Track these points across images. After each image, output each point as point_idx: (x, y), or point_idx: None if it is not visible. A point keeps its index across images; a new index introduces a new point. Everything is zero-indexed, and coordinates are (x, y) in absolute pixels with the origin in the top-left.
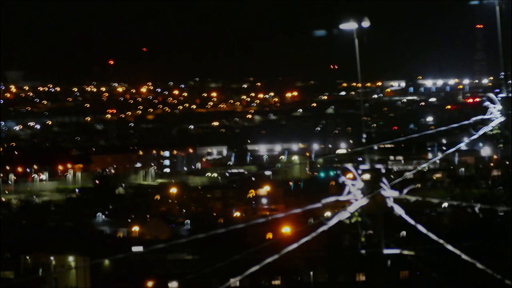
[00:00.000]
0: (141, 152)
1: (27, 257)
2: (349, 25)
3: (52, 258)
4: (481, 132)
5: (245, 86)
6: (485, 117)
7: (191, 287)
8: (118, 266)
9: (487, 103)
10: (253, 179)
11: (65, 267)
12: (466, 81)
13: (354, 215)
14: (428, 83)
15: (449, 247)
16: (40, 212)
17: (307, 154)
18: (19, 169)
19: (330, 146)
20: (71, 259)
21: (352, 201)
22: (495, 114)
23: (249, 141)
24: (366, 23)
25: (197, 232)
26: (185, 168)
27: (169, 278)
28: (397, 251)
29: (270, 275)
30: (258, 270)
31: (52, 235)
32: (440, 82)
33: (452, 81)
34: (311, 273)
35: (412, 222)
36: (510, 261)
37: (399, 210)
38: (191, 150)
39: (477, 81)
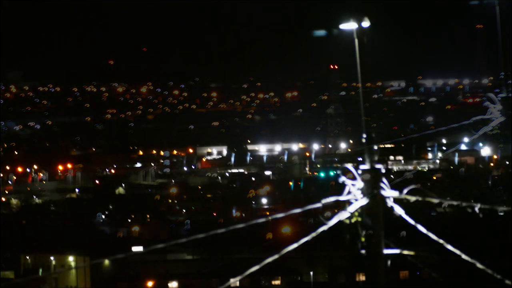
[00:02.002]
0: (141, 152)
1: (27, 257)
2: (349, 25)
3: (52, 258)
4: (481, 132)
5: (245, 86)
6: (485, 117)
7: (191, 287)
8: (118, 266)
9: (487, 103)
10: (253, 179)
11: (65, 267)
12: (466, 81)
13: (354, 215)
14: (428, 83)
15: (449, 247)
16: (40, 212)
17: (307, 154)
18: (19, 169)
19: (330, 146)
20: (71, 259)
21: (352, 201)
22: (495, 114)
23: (249, 141)
24: (366, 23)
25: (197, 232)
26: (185, 168)
27: (169, 278)
28: (397, 251)
29: (270, 275)
30: (258, 270)
31: (52, 235)
32: (440, 82)
33: (452, 81)
34: (311, 273)
35: (412, 222)
36: (510, 261)
37: (399, 210)
38: (191, 150)
39: (477, 81)
